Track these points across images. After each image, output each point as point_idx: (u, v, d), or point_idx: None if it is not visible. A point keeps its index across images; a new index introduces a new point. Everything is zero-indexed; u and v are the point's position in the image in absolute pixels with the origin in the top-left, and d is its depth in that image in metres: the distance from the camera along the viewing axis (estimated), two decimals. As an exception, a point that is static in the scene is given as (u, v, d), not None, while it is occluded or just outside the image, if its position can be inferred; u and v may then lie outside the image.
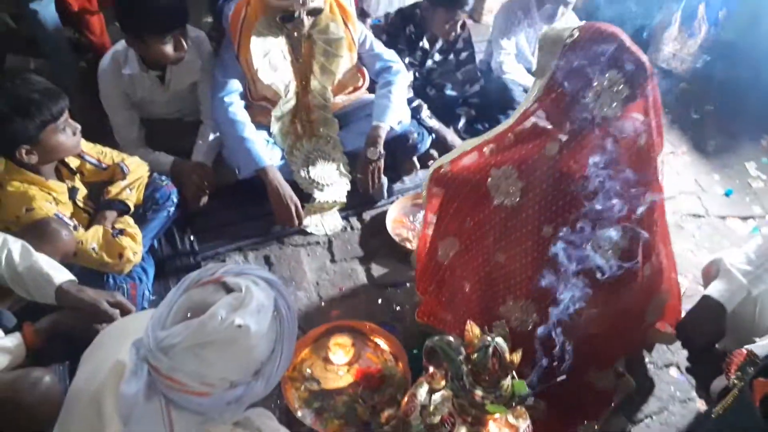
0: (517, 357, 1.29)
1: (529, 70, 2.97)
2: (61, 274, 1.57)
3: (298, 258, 2.29)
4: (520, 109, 1.64)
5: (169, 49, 2.13)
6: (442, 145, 2.67)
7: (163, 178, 2.14)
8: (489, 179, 1.67)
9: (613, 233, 1.50)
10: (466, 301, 1.81)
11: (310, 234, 2.37)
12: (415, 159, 2.65)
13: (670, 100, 3.21)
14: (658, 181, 1.64)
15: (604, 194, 1.49)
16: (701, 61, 3.21)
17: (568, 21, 2.87)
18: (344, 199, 2.44)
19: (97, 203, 1.98)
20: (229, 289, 1.02)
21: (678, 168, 2.96)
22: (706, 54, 3.21)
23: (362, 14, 3.21)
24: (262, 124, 2.35)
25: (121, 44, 2.22)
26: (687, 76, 3.25)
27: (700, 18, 3.20)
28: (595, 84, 1.48)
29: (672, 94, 3.23)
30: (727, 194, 2.83)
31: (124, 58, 2.21)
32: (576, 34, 1.52)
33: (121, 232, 1.91)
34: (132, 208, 2.00)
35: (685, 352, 2.07)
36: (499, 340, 1.30)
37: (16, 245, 1.56)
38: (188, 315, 0.98)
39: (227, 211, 2.37)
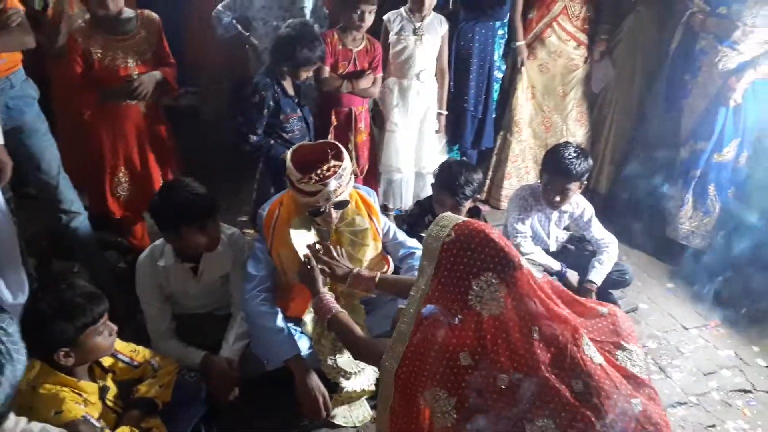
0: None
1: (546, 251, 3.06)
2: None
3: (326, 455, 2.19)
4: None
5: (202, 238, 2.28)
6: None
7: (192, 374, 2.15)
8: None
9: None
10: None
11: (339, 426, 2.29)
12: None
13: (693, 274, 3.24)
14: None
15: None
16: (719, 236, 3.28)
17: (578, 202, 3.02)
18: (373, 387, 2.38)
19: (126, 401, 1.97)
20: None
21: (714, 342, 2.88)
22: (722, 229, 3.28)
23: (384, 209, 3.46)
24: (290, 316, 2.40)
25: (160, 241, 2.40)
26: (707, 250, 3.30)
27: (713, 197, 3.35)
28: (475, 287, 1.49)
29: (693, 268, 3.25)
30: (771, 366, 2.72)
31: (160, 252, 2.37)
32: (452, 234, 1.54)
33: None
34: (160, 406, 1.98)
35: None
36: None
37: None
38: None
39: (254, 404, 2.32)
